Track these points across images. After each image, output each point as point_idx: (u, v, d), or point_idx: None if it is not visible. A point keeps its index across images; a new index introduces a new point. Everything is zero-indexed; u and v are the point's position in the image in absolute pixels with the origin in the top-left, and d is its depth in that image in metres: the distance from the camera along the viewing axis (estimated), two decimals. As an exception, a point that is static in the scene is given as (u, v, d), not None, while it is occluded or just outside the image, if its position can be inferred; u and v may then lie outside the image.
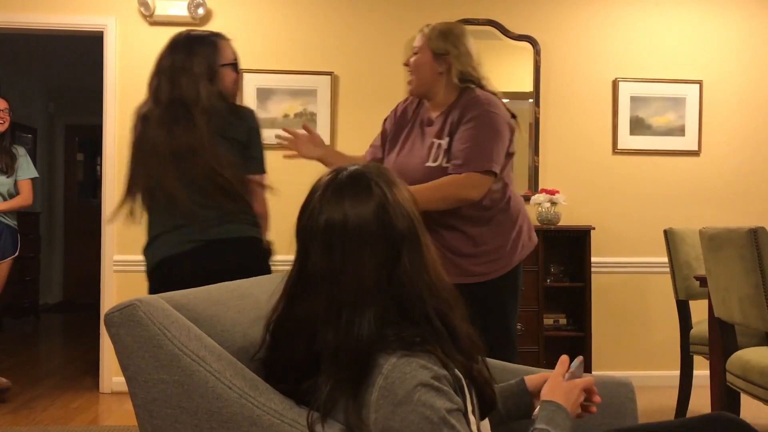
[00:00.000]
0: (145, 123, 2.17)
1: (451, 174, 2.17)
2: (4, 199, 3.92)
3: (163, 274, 2.15)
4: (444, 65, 2.27)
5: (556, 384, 1.32)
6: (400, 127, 2.42)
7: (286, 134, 2.36)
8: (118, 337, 1.18)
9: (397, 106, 2.49)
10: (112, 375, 4.03)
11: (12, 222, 3.98)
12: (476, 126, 2.18)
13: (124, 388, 3.93)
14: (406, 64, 2.34)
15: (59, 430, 3.27)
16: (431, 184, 2.16)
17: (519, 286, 2.35)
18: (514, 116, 2.30)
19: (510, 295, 2.33)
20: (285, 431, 1.14)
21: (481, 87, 2.28)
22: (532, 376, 1.48)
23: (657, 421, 1.50)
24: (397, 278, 1.16)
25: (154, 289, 2.15)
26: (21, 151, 4.10)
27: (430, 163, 2.24)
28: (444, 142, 2.23)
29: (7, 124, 3.97)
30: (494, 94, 2.28)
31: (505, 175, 2.27)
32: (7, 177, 3.94)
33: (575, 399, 1.30)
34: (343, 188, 1.17)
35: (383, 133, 2.49)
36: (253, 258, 2.21)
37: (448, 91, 2.29)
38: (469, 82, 2.27)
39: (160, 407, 1.16)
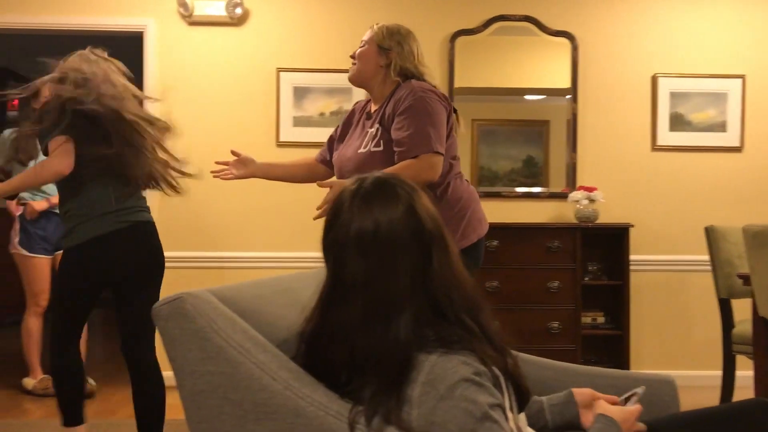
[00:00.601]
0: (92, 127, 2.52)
1: (399, 161, 2.31)
2: None
3: (100, 246, 2.54)
4: (385, 59, 2.44)
5: (615, 405, 1.37)
6: (348, 126, 2.60)
7: (219, 166, 2.69)
8: (166, 330, 1.20)
9: (352, 108, 2.69)
10: (152, 370, 4.09)
11: None
12: (413, 113, 2.32)
13: (166, 382, 3.95)
14: (353, 56, 2.54)
15: (102, 423, 3.33)
16: (389, 170, 2.22)
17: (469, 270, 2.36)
18: (455, 111, 2.45)
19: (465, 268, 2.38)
20: (329, 423, 1.15)
21: (422, 80, 2.43)
22: (581, 390, 1.49)
23: (698, 408, 1.49)
24: (429, 280, 1.17)
25: (85, 258, 2.54)
26: None
27: (361, 150, 2.41)
28: (373, 129, 2.40)
29: None
30: (433, 86, 2.42)
31: (445, 162, 2.38)
32: None
33: (630, 426, 1.33)
34: (371, 196, 1.19)
35: (331, 137, 2.69)
36: (157, 238, 2.73)
37: (385, 85, 2.45)
38: (409, 78, 2.43)
39: (206, 398, 1.18)
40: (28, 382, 3.90)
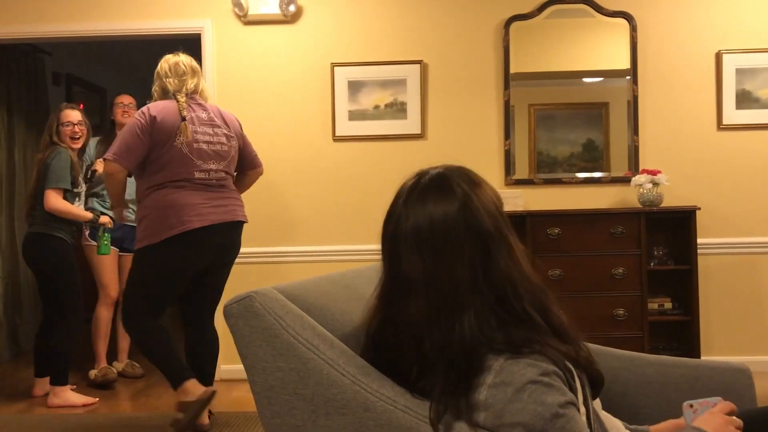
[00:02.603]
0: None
1: None
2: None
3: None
4: (154, 86, 3.20)
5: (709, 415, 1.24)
6: None
7: None
8: (237, 328, 1.23)
9: None
10: (220, 363, 4.19)
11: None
12: None
13: (232, 376, 4.11)
14: None
15: (174, 416, 3.42)
16: None
17: (143, 267, 3.05)
18: (183, 119, 3.00)
19: (137, 267, 3.08)
20: (398, 417, 1.16)
21: (173, 96, 3.08)
22: (658, 426, 1.45)
23: None
24: (492, 276, 1.16)
25: None
26: None
27: None
28: None
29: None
30: (178, 101, 3.04)
31: (152, 171, 3.01)
32: None
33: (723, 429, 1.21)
34: (427, 191, 1.19)
35: None
36: (27, 245, 3.71)
37: None
38: (170, 95, 3.10)
39: (277, 394, 1.21)
40: (92, 373, 4.13)
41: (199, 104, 3.14)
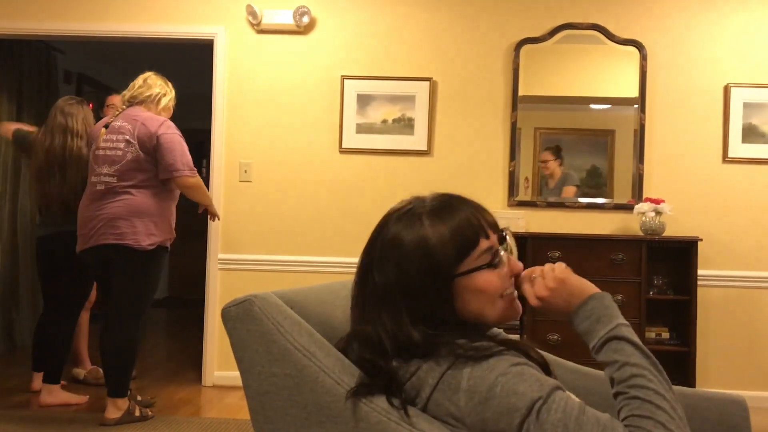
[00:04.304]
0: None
1: None
2: None
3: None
4: None
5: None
6: None
7: None
8: (234, 331, 1.23)
9: None
10: (214, 369, 4.18)
11: None
12: None
13: (226, 382, 4.09)
14: None
15: (165, 420, 3.42)
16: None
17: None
18: (106, 126, 3.33)
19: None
20: (391, 428, 1.15)
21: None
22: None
23: None
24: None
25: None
26: None
27: None
28: None
29: None
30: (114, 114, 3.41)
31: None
32: None
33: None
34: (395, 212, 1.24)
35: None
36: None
37: None
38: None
39: (272, 399, 1.20)
40: (79, 372, 4.13)
41: (125, 113, 3.35)
